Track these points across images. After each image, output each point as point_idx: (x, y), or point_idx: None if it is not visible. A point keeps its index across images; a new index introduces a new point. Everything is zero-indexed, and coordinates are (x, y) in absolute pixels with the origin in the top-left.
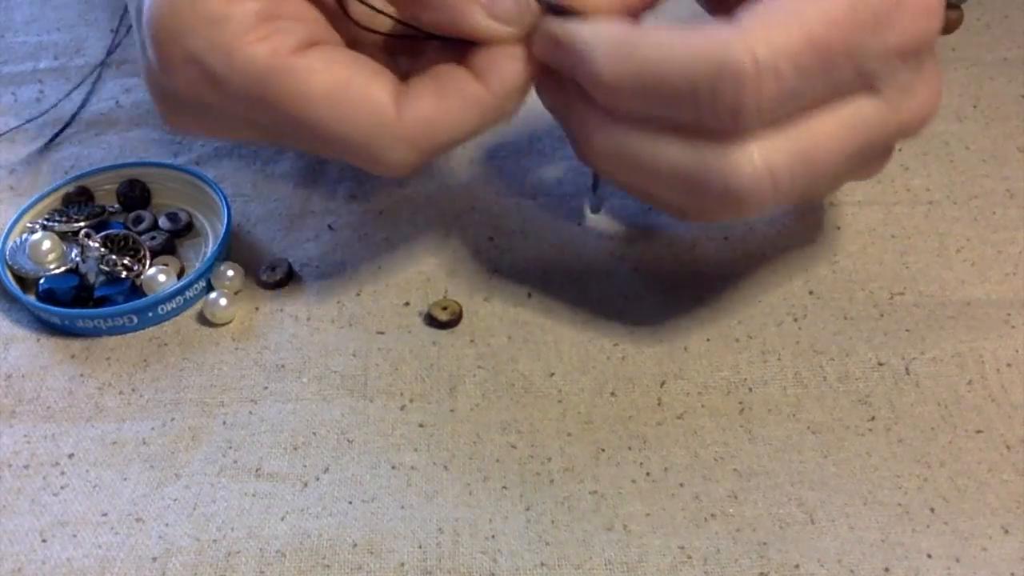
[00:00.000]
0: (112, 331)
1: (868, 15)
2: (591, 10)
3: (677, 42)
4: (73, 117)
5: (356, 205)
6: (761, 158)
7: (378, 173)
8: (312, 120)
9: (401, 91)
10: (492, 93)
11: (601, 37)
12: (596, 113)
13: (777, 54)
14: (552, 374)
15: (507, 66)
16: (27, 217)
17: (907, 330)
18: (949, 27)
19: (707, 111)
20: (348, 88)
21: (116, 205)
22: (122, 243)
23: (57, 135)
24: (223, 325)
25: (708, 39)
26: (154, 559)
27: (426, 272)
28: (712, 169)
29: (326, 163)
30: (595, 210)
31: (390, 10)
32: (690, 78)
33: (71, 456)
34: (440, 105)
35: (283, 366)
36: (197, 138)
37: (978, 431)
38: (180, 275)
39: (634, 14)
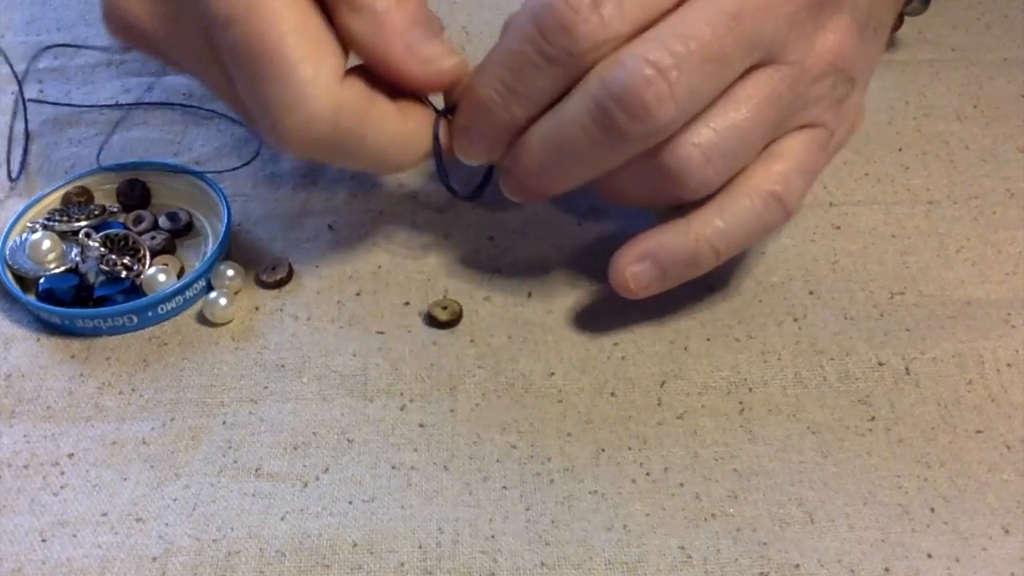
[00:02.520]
0: (112, 331)
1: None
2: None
3: (505, 36)
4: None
5: (356, 205)
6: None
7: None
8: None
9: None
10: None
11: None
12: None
13: None
14: (552, 374)
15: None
16: (27, 217)
17: (907, 330)
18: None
19: (547, 47)
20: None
21: (116, 205)
22: (122, 243)
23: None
24: (223, 325)
25: (524, 7)
26: (154, 559)
27: (426, 272)
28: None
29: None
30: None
31: None
32: (521, 35)
33: (71, 456)
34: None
35: (283, 366)
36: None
37: (978, 431)
38: (180, 275)
39: None
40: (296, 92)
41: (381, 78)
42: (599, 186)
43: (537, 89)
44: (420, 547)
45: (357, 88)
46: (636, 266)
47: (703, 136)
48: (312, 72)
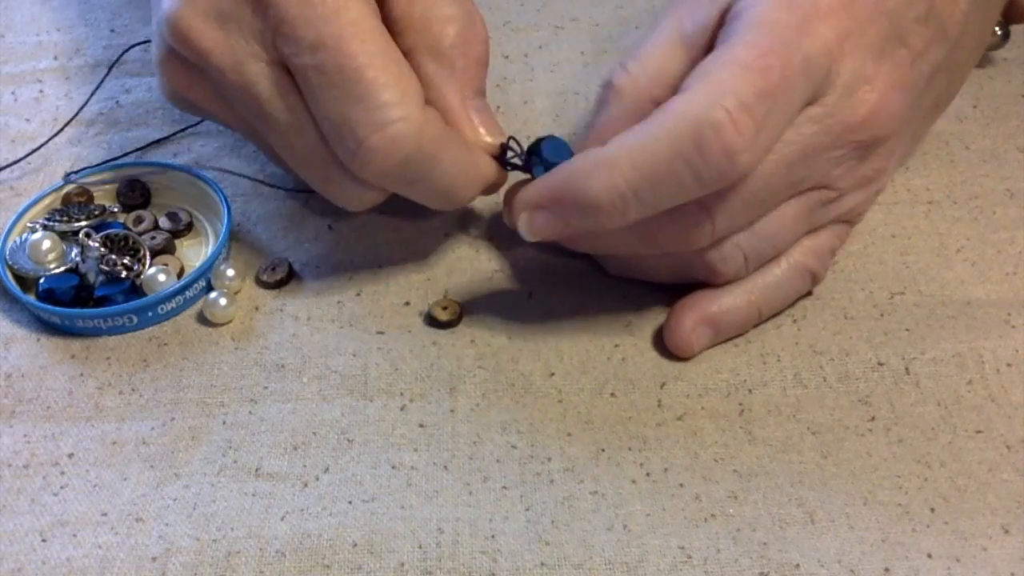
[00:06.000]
0: (112, 331)
1: (793, 22)
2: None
3: (643, 133)
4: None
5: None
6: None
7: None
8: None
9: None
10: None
11: (581, 166)
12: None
13: (736, 92)
14: (552, 374)
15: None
16: (27, 217)
17: (907, 330)
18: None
19: (703, 169)
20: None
21: (116, 205)
22: (122, 243)
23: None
24: (223, 325)
25: (672, 113)
26: (154, 559)
27: (426, 272)
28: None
29: None
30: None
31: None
32: (675, 149)
33: (71, 456)
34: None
35: (283, 366)
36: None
37: (978, 431)
38: (180, 275)
39: None
40: (384, 113)
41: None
42: (616, 260)
43: (667, 203)
44: (420, 547)
45: (436, 117)
46: (700, 329)
47: (746, 241)
48: (399, 94)
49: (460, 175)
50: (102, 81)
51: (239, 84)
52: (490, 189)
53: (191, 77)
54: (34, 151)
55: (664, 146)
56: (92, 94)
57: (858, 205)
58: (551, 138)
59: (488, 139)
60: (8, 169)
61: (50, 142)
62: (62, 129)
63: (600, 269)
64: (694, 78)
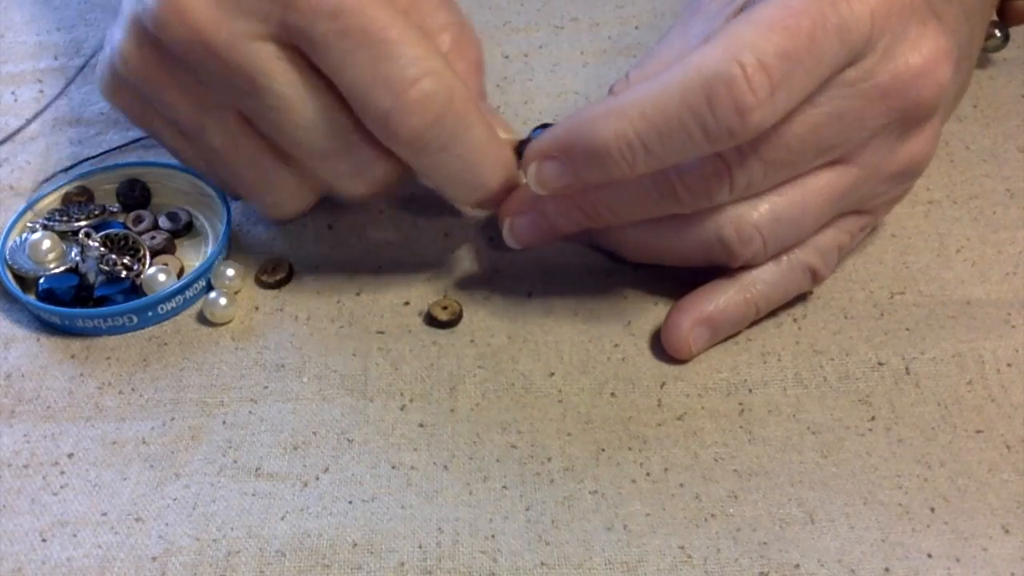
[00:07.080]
0: (112, 331)
1: None
2: None
3: (657, 83)
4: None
5: (356, 205)
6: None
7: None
8: None
9: None
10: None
11: (591, 113)
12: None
13: (755, 49)
14: (552, 374)
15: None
16: (27, 217)
17: (907, 330)
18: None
19: (712, 124)
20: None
21: (116, 205)
22: (122, 243)
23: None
24: (223, 325)
25: (687, 66)
26: (154, 559)
27: (426, 272)
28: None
29: None
30: None
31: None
32: (686, 102)
33: (71, 456)
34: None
35: (283, 366)
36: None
37: (978, 431)
38: (180, 275)
39: None
40: (416, 66)
41: None
42: (631, 240)
43: (675, 156)
44: (420, 547)
45: (463, 81)
46: (697, 329)
47: (765, 224)
48: (425, 51)
49: (488, 149)
50: (74, 77)
51: (236, 63)
52: (508, 184)
53: (160, 66)
54: (11, 135)
55: (675, 97)
56: (66, 87)
57: (885, 191)
58: (552, 125)
59: (504, 135)
60: (8, 169)
61: (50, 141)
62: (36, 116)
63: (600, 267)
64: (718, 34)
